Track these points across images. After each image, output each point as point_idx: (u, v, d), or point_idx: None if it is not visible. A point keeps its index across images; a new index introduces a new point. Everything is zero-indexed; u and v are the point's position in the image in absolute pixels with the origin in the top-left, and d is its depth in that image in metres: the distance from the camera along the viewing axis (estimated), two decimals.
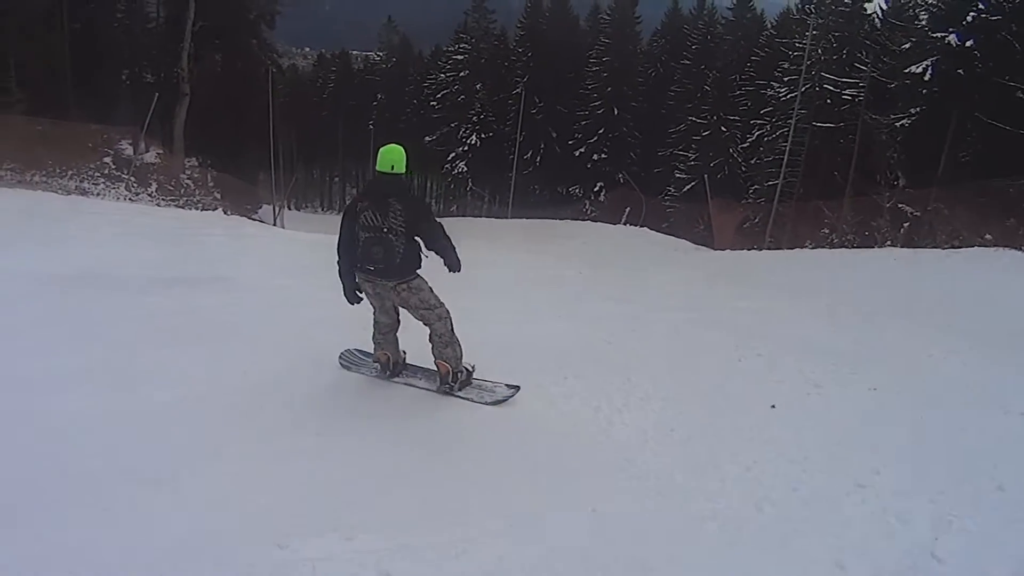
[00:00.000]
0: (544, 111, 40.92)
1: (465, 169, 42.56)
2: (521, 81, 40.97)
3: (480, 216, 39.59)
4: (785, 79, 28.06)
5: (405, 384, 5.05)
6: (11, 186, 16.03)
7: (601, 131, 39.32)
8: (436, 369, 4.85)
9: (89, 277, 7.85)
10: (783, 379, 5.96)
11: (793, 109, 25.54)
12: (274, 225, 28.65)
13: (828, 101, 25.28)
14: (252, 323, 6.84)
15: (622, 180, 38.30)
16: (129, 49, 31.40)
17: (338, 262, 4.69)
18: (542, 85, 40.72)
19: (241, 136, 34.12)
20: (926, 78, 18.38)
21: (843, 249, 17.72)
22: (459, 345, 4.81)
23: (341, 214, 4.72)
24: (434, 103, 44.92)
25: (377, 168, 4.47)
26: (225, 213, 22.35)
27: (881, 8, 25.62)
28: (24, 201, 13.44)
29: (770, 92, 31.69)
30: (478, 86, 43.14)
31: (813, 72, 25.02)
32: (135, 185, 22.98)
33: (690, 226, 30.76)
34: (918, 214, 17.34)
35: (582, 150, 39.63)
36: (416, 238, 4.49)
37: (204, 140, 33.19)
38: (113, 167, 22.95)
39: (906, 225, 17.40)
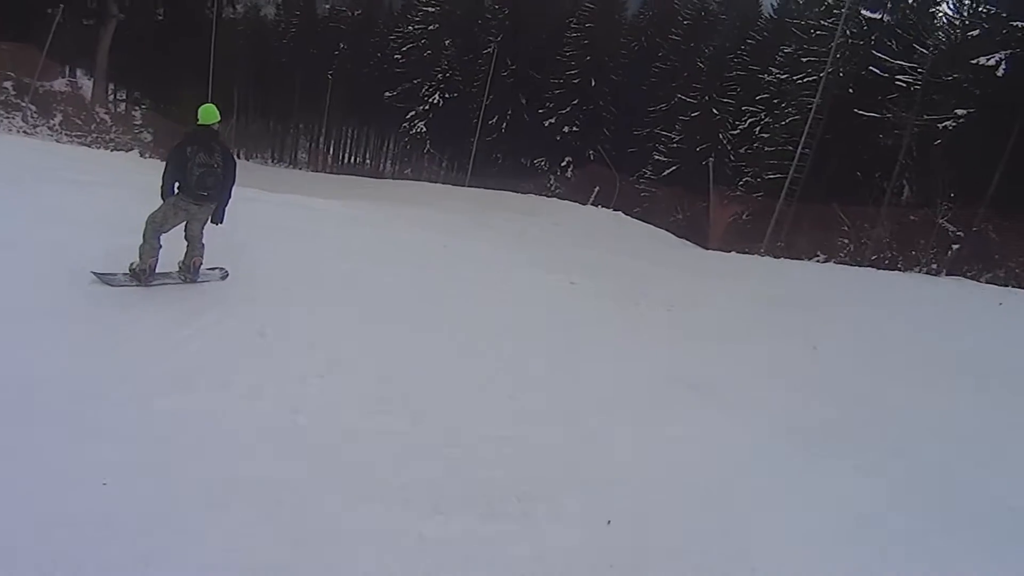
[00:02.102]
0: (515, 75, 37.58)
1: (424, 129, 39.11)
2: (494, 41, 37.48)
3: (436, 183, 36.14)
4: (804, 61, 24.75)
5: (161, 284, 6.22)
6: None
7: (575, 102, 36.12)
8: (189, 265, 6.33)
9: None
10: None
11: (809, 95, 22.42)
12: None
13: (851, 90, 22.08)
14: None
15: (592, 157, 35.31)
16: None
17: (163, 186, 5.92)
18: (516, 47, 37.40)
19: (182, 73, 30.32)
20: (998, 72, 15.38)
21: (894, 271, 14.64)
22: None
23: (171, 151, 5.98)
24: (398, 56, 41.31)
25: (201, 121, 5.96)
26: (143, 156, 19.30)
27: None
28: None
29: (768, 77, 29.06)
30: (447, 42, 39.78)
31: (840, 55, 21.58)
32: (35, 115, 19.41)
33: (666, 214, 27.96)
34: (961, 233, 14.40)
35: (552, 120, 36.37)
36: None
37: (137, 74, 29.58)
38: (12, 93, 19.34)
39: (955, 248, 14.42)
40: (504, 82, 36.91)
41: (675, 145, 31.07)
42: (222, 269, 6.66)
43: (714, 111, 30.08)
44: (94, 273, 5.77)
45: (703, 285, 11.79)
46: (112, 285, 5.78)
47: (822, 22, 24.88)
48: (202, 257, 6.30)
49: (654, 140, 33.01)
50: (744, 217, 25.21)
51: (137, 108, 29.60)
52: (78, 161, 13.79)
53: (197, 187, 5.83)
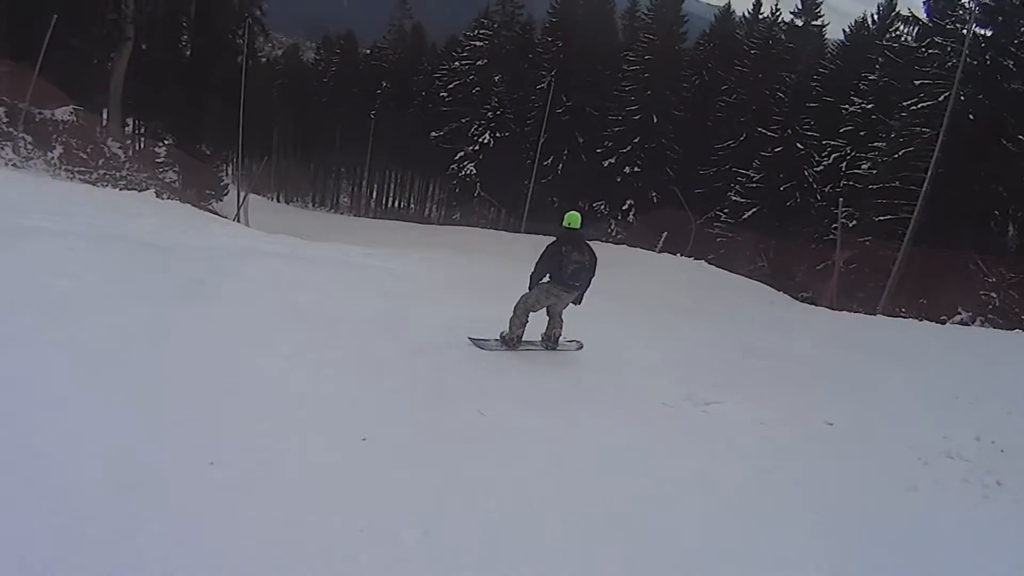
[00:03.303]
0: (571, 112, 35.15)
1: (474, 171, 36.70)
2: (547, 76, 35.22)
3: (487, 227, 33.78)
4: (916, 85, 21.80)
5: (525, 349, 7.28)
6: None
7: (636, 140, 33.57)
8: (550, 336, 7.41)
9: None
10: None
11: (919, 125, 19.66)
12: (235, 219, 23.43)
13: (971, 116, 19.17)
14: None
15: (656, 200, 32.66)
16: None
17: (534, 274, 6.99)
18: (571, 82, 34.92)
19: (210, 109, 28.48)
20: None
21: None
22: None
23: (546, 248, 6.91)
24: (444, 94, 39.24)
25: (569, 225, 6.92)
26: (159, 196, 16.85)
27: None
28: None
29: (852, 108, 26.30)
30: (497, 78, 37.57)
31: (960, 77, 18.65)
32: (29, 146, 17.17)
33: (747, 260, 25.11)
34: None
35: (612, 160, 33.83)
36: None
37: (159, 108, 27.58)
38: (5, 120, 17.17)
39: None
40: (559, 120, 34.45)
41: (754, 184, 28.19)
42: (577, 341, 7.65)
43: (798, 145, 27.26)
44: (471, 339, 7.06)
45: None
46: (485, 349, 6.98)
47: (935, 39, 22.00)
48: (561, 330, 7.42)
49: (728, 179, 30.23)
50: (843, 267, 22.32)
51: (161, 144, 27.48)
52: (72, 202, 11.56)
53: (570, 279, 6.88)
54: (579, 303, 7.23)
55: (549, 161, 34.60)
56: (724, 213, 29.32)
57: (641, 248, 26.49)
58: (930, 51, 22.20)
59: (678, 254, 24.81)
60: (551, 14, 38.56)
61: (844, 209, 20.02)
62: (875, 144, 24.53)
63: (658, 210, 31.44)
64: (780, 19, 34.76)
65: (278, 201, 50.87)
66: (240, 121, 25.93)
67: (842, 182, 26.00)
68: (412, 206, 47.50)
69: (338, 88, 49.17)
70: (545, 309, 7.23)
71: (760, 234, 26.57)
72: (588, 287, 7.14)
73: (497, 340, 7.12)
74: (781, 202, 27.01)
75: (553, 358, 7.28)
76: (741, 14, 37.91)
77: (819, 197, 26.99)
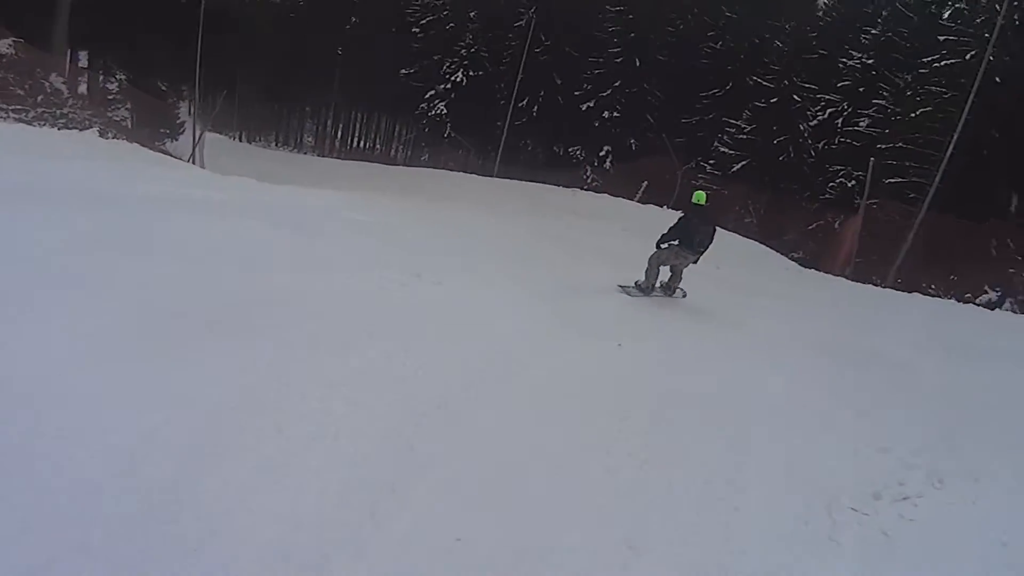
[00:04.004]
0: (549, 53, 33.08)
1: (444, 111, 34.72)
2: (526, 13, 33.17)
3: (457, 170, 31.93)
4: (940, 41, 20.36)
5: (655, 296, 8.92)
6: None
7: (616, 84, 31.73)
8: (671, 287, 9.15)
9: None
10: None
11: (939, 84, 18.35)
12: (189, 160, 22.26)
13: (998, 80, 17.70)
14: None
15: (634, 147, 31.08)
16: None
17: (666, 238, 8.66)
18: (551, 21, 32.88)
19: (166, 43, 26.01)
20: None
21: None
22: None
23: (678, 219, 8.75)
24: (416, 30, 37.02)
25: (697, 202, 8.64)
26: (103, 136, 15.38)
27: None
28: None
29: (849, 62, 24.92)
30: (472, 14, 35.38)
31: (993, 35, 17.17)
32: None
33: (734, 215, 23.84)
34: None
35: (590, 104, 31.96)
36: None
37: (110, 41, 25.19)
38: None
39: None
40: (536, 60, 32.44)
41: (744, 136, 26.68)
42: (683, 290, 9.27)
43: (795, 97, 25.75)
44: (620, 286, 8.98)
45: None
46: (630, 295, 8.82)
47: None
48: (680, 282, 9.14)
49: (714, 129, 28.64)
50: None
51: (112, 80, 25.36)
52: None
53: (698, 246, 8.59)
54: (696, 263, 8.90)
55: (524, 103, 32.69)
56: (710, 164, 27.81)
57: (623, 198, 25.20)
58: (956, 5, 20.86)
59: (664, 206, 23.44)
60: None
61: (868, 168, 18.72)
62: (876, 101, 23.29)
63: (637, 158, 29.97)
64: None
65: (241, 141, 48.37)
66: (198, 54, 24.00)
67: (837, 139, 24.79)
68: (378, 146, 45.26)
69: (305, 23, 46.38)
70: (670, 269, 9.04)
71: (749, 188, 25.25)
72: (705, 251, 8.75)
73: (635, 287, 8.97)
74: (773, 156, 25.57)
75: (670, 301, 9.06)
76: None
77: (813, 153, 25.67)
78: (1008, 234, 16.46)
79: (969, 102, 16.55)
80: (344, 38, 42.34)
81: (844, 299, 12.69)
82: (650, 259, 8.76)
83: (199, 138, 24.43)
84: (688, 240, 8.53)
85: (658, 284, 8.98)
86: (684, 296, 9.25)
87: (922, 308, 12.24)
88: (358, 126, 46.87)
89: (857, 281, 16.25)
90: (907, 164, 19.13)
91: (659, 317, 8.11)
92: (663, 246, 8.72)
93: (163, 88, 27.80)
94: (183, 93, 30.63)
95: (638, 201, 25.30)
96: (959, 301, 13.99)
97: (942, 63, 19.87)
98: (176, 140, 26.84)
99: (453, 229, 12.43)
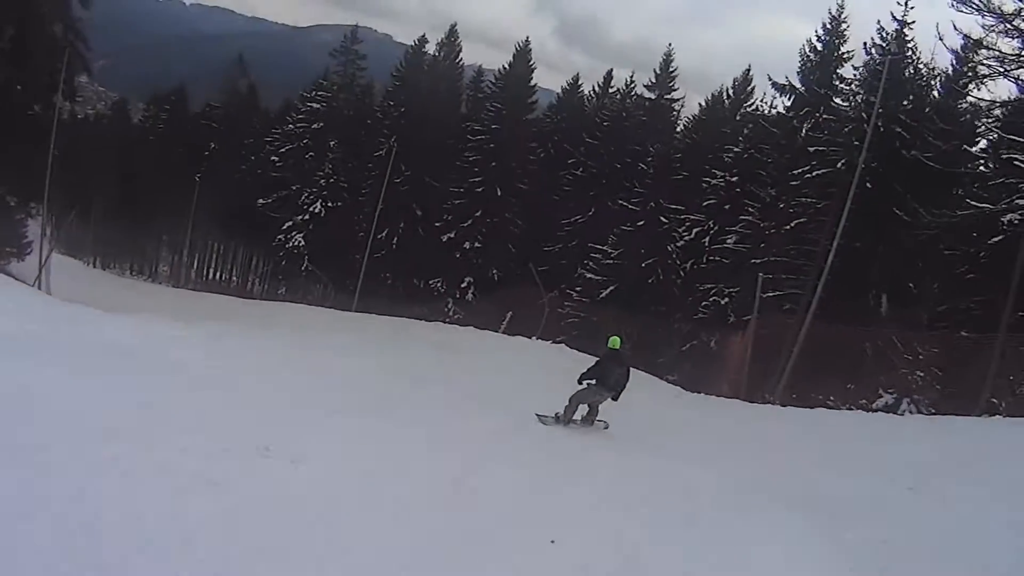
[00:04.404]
0: (410, 182, 32.52)
1: (302, 243, 33.18)
2: (387, 143, 32.59)
3: (316, 305, 30.16)
4: (811, 152, 20.68)
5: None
6: None
7: (478, 214, 31.36)
8: (590, 420, 9.63)
9: None
10: None
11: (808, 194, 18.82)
12: (35, 284, 20.91)
13: (868, 185, 17.90)
14: None
15: (496, 277, 30.41)
16: None
17: (584, 377, 9.28)
18: (411, 150, 32.39)
19: (15, 147, 23.62)
20: None
21: None
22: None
23: (595, 362, 9.63)
24: (275, 159, 35.82)
25: (611, 347, 9.51)
26: None
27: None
28: None
29: (713, 182, 25.31)
30: (333, 143, 34.58)
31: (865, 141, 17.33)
32: None
33: (604, 343, 22.93)
34: None
35: (451, 235, 31.35)
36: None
37: None
38: None
39: None
40: (397, 190, 31.77)
41: (611, 261, 26.34)
42: (604, 422, 9.69)
43: (661, 219, 25.72)
44: (537, 415, 9.40)
45: None
46: (545, 424, 9.28)
47: (835, 103, 22.22)
48: (595, 416, 9.64)
49: (578, 256, 28.36)
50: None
51: None
52: None
53: (614, 387, 9.27)
54: (616, 400, 9.47)
55: (384, 234, 31.73)
56: (576, 292, 27.25)
57: (487, 329, 24.08)
58: (825, 116, 21.49)
59: (534, 337, 22.33)
60: (395, 77, 36.37)
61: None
62: (743, 217, 23.35)
63: (500, 288, 29.22)
64: (634, 92, 33.89)
65: (94, 266, 45.34)
66: (49, 168, 22.19)
67: (706, 257, 24.70)
68: (235, 278, 43.11)
69: (164, 147, 44.58)
70: (588, 405, 9.58)
71: (619, 313, 24.66)
72: (623, 390, 9.43)
73: (553, 418, 9.41)
74: (642, 279, 25.30)
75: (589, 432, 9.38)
76: (591, 88, 37.07)
77: (682, 274, 25.49)
78: (879, 337, 16.18)
79: (847, 208, 16.47)
80: (203, 164, 40.68)
81: (763, 428, 11.60)
82: (571, 398, 9.35)
83: (46, 258, 22.71)
84: (604, 380, 9.28)
85: (578, 418, 9.50)
86: (606, 427, 9.76)
87: (842, 427, 11.50)
88: (214, 256, 44.71)
89: (750, 400, 15.46)
90: (783, 276, 18.84)
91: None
92: (581, 385, 9.38)
93: (11, 204, 25.06)
94: (32, 210, 27.87)
95: (504, 332, 24.17)
96: (863, 410, 13.54)
97: (813, 174, 20.04)
98: (22, 261, 24.66)
99: (310, 371, 10.39)
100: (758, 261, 20.92)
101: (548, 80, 39.90)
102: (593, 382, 9.30)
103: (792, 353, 16.54)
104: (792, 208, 20.93)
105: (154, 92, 51.00)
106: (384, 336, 21.21)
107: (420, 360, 14.97)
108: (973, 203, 14.82)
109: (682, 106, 33.16)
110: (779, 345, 17.52)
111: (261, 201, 35.23)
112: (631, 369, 9.74)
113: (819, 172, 19.90)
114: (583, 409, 9.58)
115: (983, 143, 19.59)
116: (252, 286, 40.78)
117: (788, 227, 20.61)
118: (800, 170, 20.70)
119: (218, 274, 44.20)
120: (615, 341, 9.64)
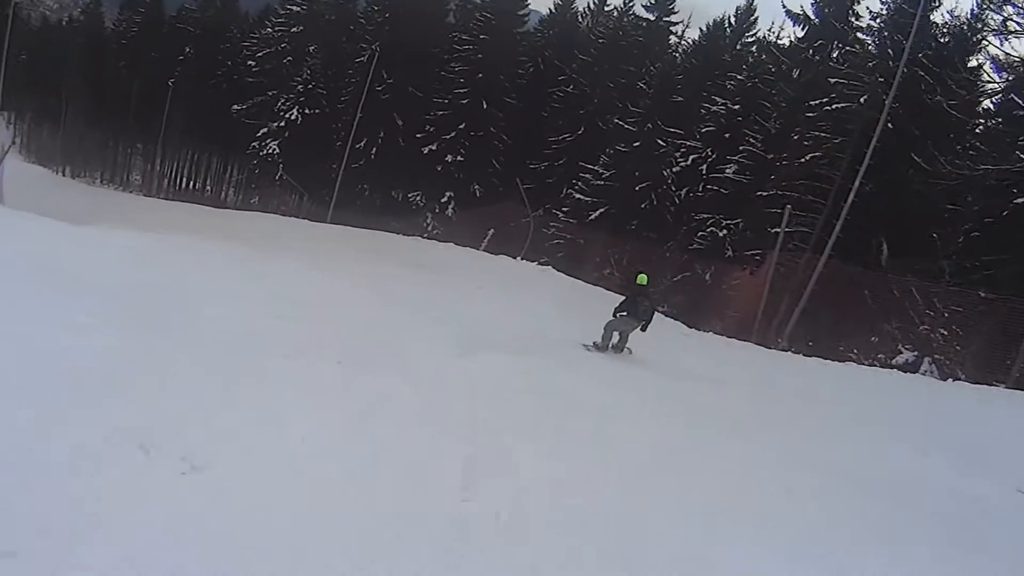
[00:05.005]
0: (392, 91, 30.85)
1: (277, 151, 31.70)
2: (368, 48, 30.90)
3: (290, 215, 28.91)
4: (831, 83, 19.17)
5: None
6: None
7: (462, 127, 29.88)
8: (620, 347, 10.49)
9: None
10: None
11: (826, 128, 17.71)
12: None
13: (890, 124, 16.59)
14: None
15: (478, 193, 29.20)
16: None
17: (618, 310, 10.35)
18: (394, 58, 30.69)
19: None
20: None
21: None
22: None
23: (625, 298, 10.61)
24: (252, 63, 34.06)
25: (639, 283, 10.49)
26: None
27: None
28: None
29: (713, 108, 23.94)
30: (312, 48, 32.80)
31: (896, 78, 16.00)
32: None
33: (592, 267, 22.09)
34: None
35: (433, 147, 29.91)
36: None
37: None
38: None
39: None
40: (378, 99, 30.15)
41: (602, 182, 25.11)
42: (629, 349, 10.52)
43: (659, 141, 24.42)
44: (583, 344, 10.22)
45: None
46: (588, 350, 10.13)
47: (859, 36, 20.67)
48: (626, 343, 10.55)
49: (566, 175, 27.11)
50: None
51: None
52: None
53: (642, 317, 10.26)
54: (644, 331, 10.44)
55: (363, 144, 30.25)
56: (563, 212, 26.07)
57: (468, 247, 23.11)
58: (847, 49, 20.17)
59: (518, 257, 21.35)
60: None
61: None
62: (744, 148, 22.08)
63: (482, 205, 28.02)
64: (631, 11, 32.04)
65: (64, 175, 43.71)
66: (3, 66, 21.11)
67: (703, 186, 23.47)
68: (208, 188, 41.60)
69: (138, 52, 42.52)
70: (619, 333, 10.55)
71: (608, 237, 23.56)
72: (649, 321, 10.44)
73: (592, 346, 10.33)
74: (635, 203, 24.08)
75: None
76: (585, 5, 35.29)
77: (677, 200, 24.25)
78: (896, 285, 15.06)
79: (872, 146, 15.32)
80: (177, 69, 38.79)
81: (795, 381, 10.64)
82: (605, 326, 10.39)
83: None
84: (634, 311, 10.33)
85: (610, 344, 10.40)
86: (631, 353, 10.59)
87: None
88: (188, 165, 43.07)
89: (760, 344, 14.51)
90: (794, 212, 17.64)
91: None
92: (615, 316, 10.40)
93: None
94: None
95: (484, 250, 23.15)
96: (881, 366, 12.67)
97: (833, 107, 18.75)
98: None
99: (274, 297, 8.79)
100: (764, 194, 19.69)
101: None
102: (624, 314, 10.42)
103: (803, 294, 15.56)
104: (806, 141, 19.57)
105: None
106: (359, 249, 20.16)
107: (400, 280, 13.92)
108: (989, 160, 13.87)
109: (684, 29, 31.47)
110: (786, 284, 16.56)
111: (236, 107, 33.67)
112: (654, 307, 10.80)
113: (838, 105, 18.62)
114: (615, 336, 10.56)
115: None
116: (226, 196, 39.34)
117: (801, 160, 19.22)
118: (817, 101, 19.38)
119: (192, 183, 42.65)
120: (643, 278, 10.67)
